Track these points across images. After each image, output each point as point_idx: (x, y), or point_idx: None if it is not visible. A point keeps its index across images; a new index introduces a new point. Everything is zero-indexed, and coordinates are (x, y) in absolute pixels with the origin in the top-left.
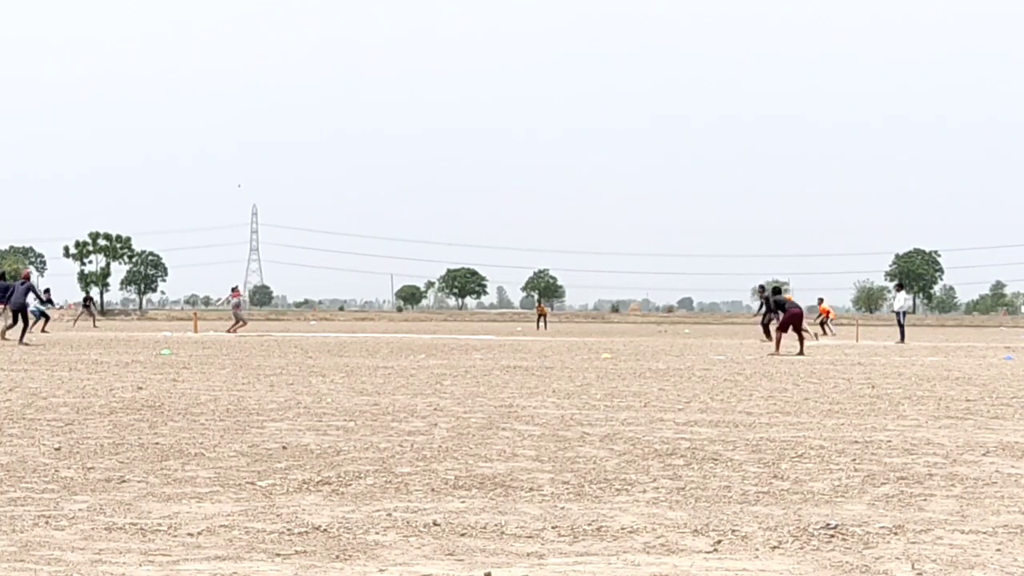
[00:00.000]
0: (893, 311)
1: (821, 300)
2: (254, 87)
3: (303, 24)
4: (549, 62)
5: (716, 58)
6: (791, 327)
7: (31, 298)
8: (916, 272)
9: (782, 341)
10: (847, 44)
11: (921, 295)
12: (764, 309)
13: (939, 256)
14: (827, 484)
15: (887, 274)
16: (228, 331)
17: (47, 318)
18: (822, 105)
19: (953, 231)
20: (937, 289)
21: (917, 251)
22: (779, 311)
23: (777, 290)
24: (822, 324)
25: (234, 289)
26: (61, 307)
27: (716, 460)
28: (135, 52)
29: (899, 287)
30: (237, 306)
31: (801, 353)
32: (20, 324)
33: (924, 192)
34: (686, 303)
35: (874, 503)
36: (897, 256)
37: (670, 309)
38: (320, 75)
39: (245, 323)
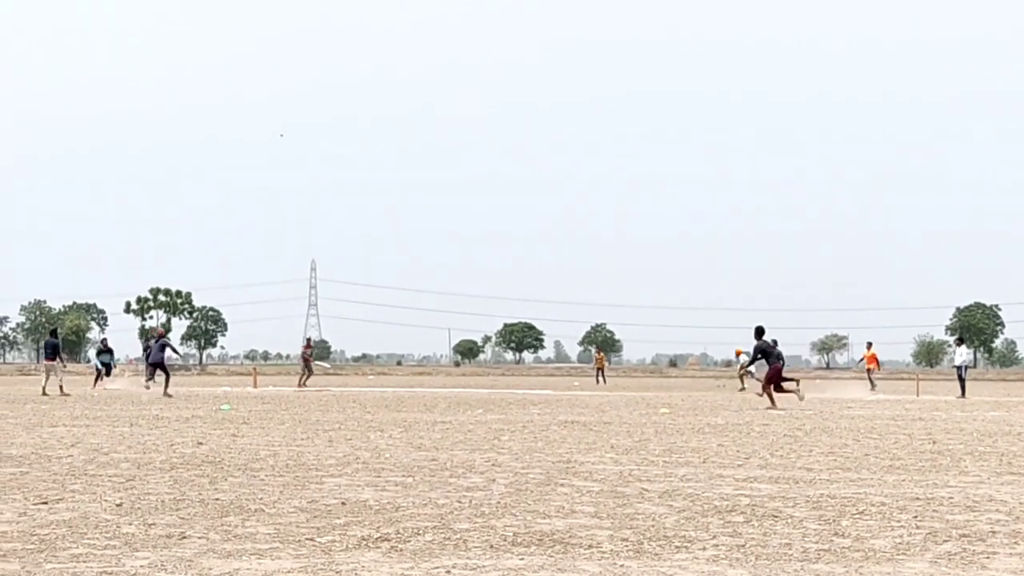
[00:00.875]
0: (954, 366)
1: (870, 344)
2: (313, 142)
3: (358, 79)
4: (604, 116)
5: (768, 110)
6: (774, 383)
7: (167, 352)
8: (977, 326)
9: (773, 394)
10: (908, 102)
11: (982, 349)
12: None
13: (1000, 310)
14: (889, 541)
15: (947, 328)
16: (301, 384)
17: (108, 372)
18: (878, 159)
19: (1014, 285)
20: (998, 343)
21: (978, 305)
22: (764, 358)
23: (760, 331)
24: (869, 374)
25: (307, 340)
26: (122, 362)
27: (776, 517)
28: (195, 107)
29: (960, 341)
30: (307, 358)
31: (773, 405)
32: (163, 376)
33: (985, 245)
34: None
35: (936, 561)
36: (958, 310)
37: (728, 363)
38: (378, 130)
39: (309, 374)
